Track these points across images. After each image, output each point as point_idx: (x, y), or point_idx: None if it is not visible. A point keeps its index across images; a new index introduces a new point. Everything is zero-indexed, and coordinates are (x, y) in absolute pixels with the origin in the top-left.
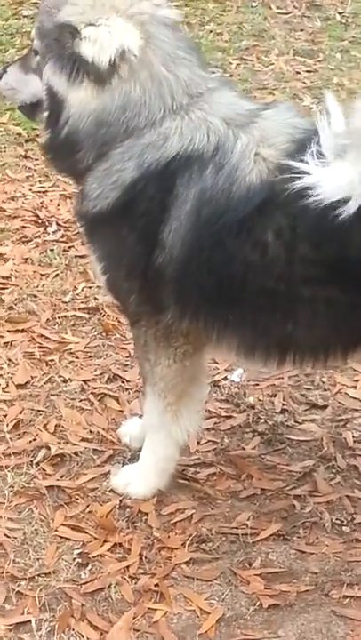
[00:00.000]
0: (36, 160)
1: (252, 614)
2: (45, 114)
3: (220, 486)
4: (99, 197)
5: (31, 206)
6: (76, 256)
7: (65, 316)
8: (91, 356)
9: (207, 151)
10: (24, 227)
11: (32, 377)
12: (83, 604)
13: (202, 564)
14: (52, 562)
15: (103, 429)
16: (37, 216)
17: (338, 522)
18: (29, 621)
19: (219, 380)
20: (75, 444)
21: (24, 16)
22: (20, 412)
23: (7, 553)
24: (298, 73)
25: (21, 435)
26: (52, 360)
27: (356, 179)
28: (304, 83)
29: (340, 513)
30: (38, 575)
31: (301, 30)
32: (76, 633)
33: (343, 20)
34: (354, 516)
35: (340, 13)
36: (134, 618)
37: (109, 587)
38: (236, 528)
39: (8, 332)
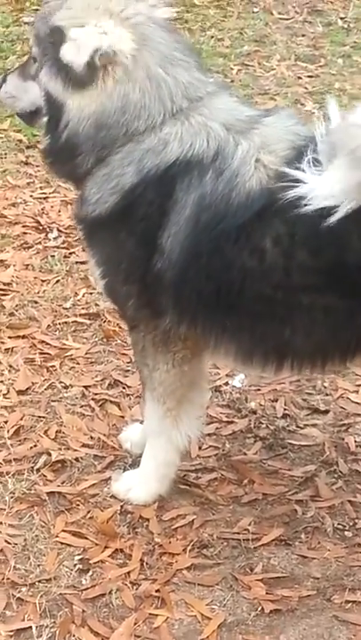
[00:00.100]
0: (37, 166)
1: (253, 619)
2: (45, 119)
3: (222, 491)
4: (98, 202)
5: (32, 212)
6: (76, 262)
7: (66, 322)
8: (91, 362)
9: (207, 156)
10: (25, 233)
11: (33, 383)
12: (84, 610)
13: (203, 569)
14: (53, 568)
15: (104, 435)
16: (38, 222)
17: (340, 527)
18: (30, 627)
19: (220, 386)
20: (75, 450)
21: (25, 23)
22: (21, 418)
23: (8, 559)
24: (299, 78)
25: (22, 441)
26: (53, 366)
27: (340, 187)
28: (306, 88)
29: (341, 518)
30: (39, 581)
31: (303, 36)
32: (77, 639)
33: (345, 26)
34: (356, 520)
35: (341, 19)
36: (135, 624)
37: (110, 592)
38: (238, 533)
39: (9, 338)
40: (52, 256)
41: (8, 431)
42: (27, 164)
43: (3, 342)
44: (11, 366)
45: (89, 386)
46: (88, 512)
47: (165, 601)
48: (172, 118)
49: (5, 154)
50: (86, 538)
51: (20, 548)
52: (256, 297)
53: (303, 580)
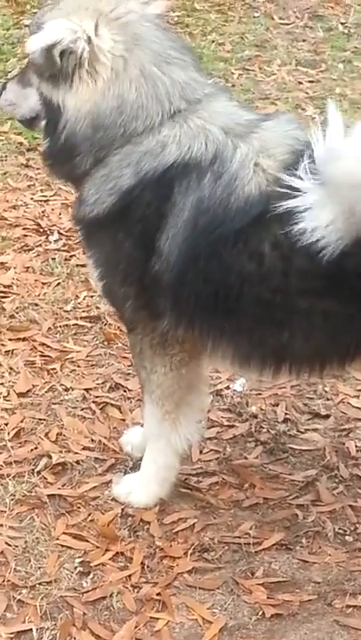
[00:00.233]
0: (38, 169)
1: (254, 624)
2: (44, 122)
3: (223, 495)
4: (96, 202)
5: (32, 215)
6: (77, 265)
7: (66, 325)
8: (92, 365)
9: (205, 159)
10: (25, 235)
11: (33, 385)
12: (84, 613)
13: (204, 573)
14: (54, 570)
15: (105, 438)
16: (39, 225)
17: (341, 531)
18: (30, 630)
19: (221, 390)
20: (76, 453)
21: (25, 25)
22: (22, 421)
23: (8, 561)
24: (300, 83)
25: (23, 443)
26: (54, 369)
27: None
28: (306, 93)
29: (342, 522)
30: (39, 584)
31: (304, 41)
32: None
33: (346, 31)
34: (357, 525)
35: (342, 24)
36: (136, 627)
37: (111, 595)
38: (239, 537)
39: (9, 340)
40: (53, 259)
41: (9, 433)
42: (27, 166)
43: (3, 345)
44: (11, 369)
45: (90, 389)
46: (89, 515)
47: (166, 604)
48: (171, 120)
49: (6, 156)
50: (87, 540)
51: (21, 550)
52: (254, 300)
53: (304, 584)
